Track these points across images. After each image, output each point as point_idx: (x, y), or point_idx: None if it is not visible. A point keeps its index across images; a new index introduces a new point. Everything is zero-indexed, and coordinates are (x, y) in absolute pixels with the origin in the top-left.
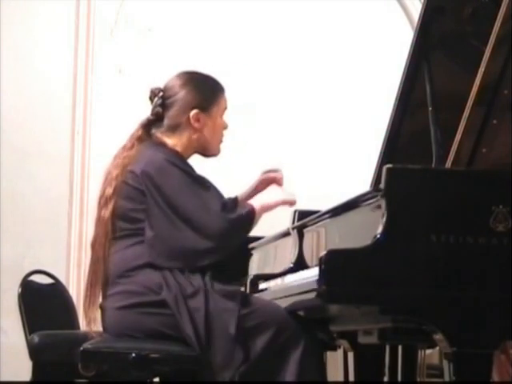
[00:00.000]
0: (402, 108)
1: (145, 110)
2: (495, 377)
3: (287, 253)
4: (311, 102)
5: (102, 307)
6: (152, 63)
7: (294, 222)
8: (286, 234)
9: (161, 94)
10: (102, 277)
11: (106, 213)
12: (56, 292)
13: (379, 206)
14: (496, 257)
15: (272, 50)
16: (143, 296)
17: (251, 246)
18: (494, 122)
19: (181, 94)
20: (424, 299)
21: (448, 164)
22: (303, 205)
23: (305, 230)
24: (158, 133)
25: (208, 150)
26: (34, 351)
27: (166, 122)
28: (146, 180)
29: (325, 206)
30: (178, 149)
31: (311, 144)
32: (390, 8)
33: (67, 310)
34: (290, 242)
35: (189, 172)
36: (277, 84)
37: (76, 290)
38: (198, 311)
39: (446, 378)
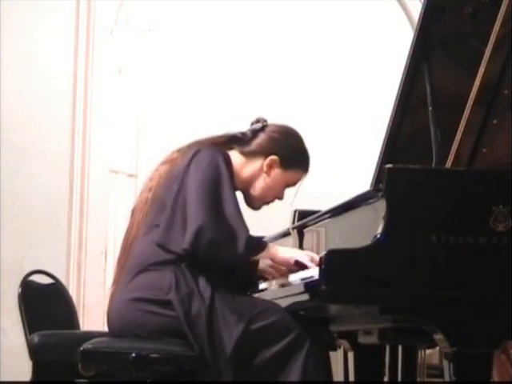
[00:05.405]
0: (402, 108)
1: (144, 110)
2: (495, 377)
3: None
4: (311, 101)
5: (112, 295)
6: (152, 63)
7: (294, 222)
8: (286, 234)
9: (264, 123)
10: (126, 265)
11: (148, 195)
12: (56, 292)
13: (379, 206)
14: (496, 257)
15: (272, 50)
16: (152, 293)
17: None
18: (494, 121)
19: (277, 137)
20: (424, 299)
21: (448, 164)
22: (303, 205)
23: (305, 230)
24: (234, 149)
25: (252, 197)
26: (34, 351)
27: (247, 146)
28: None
29: (325, 206)
30: (237, 169)
31: (311, 144)
32: (390, 8)
33: (67, 310)
34: (290, 242)
35: (230, 182)
36: (277, 84)
37: (76, 290)
38: (200, 318)
39: (446, 378)
